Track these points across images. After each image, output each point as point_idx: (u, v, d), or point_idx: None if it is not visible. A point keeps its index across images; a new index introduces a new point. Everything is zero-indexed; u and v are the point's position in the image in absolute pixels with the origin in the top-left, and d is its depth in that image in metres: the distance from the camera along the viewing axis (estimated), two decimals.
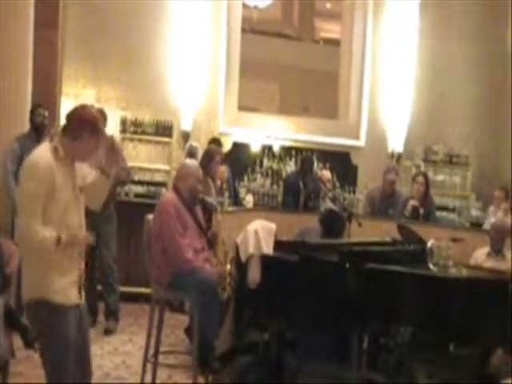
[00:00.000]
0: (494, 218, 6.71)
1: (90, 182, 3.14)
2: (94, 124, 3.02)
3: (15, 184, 5.63)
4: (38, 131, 5.80)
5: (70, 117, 3.05)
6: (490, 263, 5.33)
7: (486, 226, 6.81)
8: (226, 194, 6.40)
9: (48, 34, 6.79)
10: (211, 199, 5.14)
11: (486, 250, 5.47)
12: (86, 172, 3.17)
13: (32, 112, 5.85)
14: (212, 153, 6.09)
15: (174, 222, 4.41)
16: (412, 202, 6.27)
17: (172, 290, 4.36)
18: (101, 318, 5.83)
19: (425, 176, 6.62)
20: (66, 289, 2.99)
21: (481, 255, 5.47)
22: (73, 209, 3.01)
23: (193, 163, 4.85)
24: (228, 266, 4.57)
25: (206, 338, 4.34)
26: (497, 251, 5.41)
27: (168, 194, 4.67)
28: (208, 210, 5.02)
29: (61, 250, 2.93)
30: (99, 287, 5.85)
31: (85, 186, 3.13)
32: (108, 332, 5.61)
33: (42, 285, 2.94)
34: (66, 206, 2.96)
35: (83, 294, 3.13)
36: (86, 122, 3.00)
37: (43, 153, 2.96)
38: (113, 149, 3.13)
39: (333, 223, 5.13)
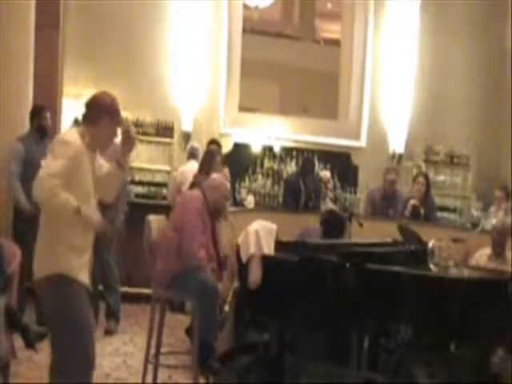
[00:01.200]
0: (494, 218, 6.71)
1: (105, 173, 3.16)
2: (112, 108, 3.09)
3: (20, 186, 5.63)
4: (40, 133, 5.80)
5: (88, 104, 3.12)
6: (492, 265, 5.32)
7: (488, 226, 6.81)
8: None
9: (49, 35, 6.80)
10: None
11: (487, 251, 5.45)
12: (101, 162, 3.20)
13: (35, 114, 5.82)
14: (213, 152, 6.11)
15: (199, 217, 4.40)
16: (412, 202, 6.28)
17: (172, 290, 4.35)
18: (101, 318, 5.83)
19: (425, 176, 6.64)
20: (81, 269, 3.04)
21: (482, 256, 5.46)
22: (90, 197, 3.07)
23: (222, 180, 4.80)
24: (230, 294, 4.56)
25: (206, 339, 4.35)
26: (498, 252, 5.40)
27: (197, 192, 4.65)
28: None
29: (75, 221, 2.93)
30: (100, 288, 5.86)
31: (100, 177, 3.15)
32: (109, 332, 5.62)
33: (63, 260, 2.96)
34: (86, 193, 3.02)
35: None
36: (105, 107, 3.07)
37: (76, 136, 3.01)
38: (128, 135, 3.14)
39: (333, 224, 5.14)
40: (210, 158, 5.99)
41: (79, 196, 2.94)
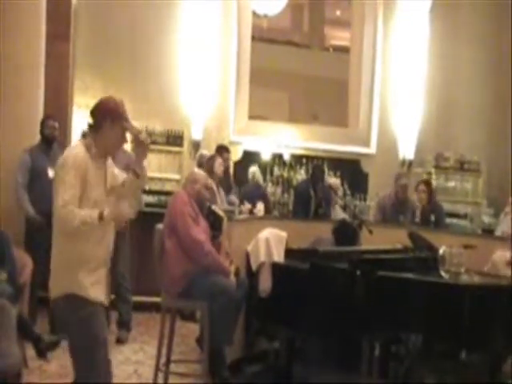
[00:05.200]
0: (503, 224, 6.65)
1: (121, 183, 3.11)
2: (115, 111, 3.01)
3: (27, 196, 5.68)
4: (47, 143, 5.85)
5: (93, 110, 3.05)
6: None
7: (498, 232, 6.77)
8: (237, 202, 6.43)
9: (59, 46, 6.88)
10: (218, 209, 5.14)
11: (508, 254, 5.35)
12: (116, 173, 3.14)
13: (42, 124, 5.90)
14: (214, 156, 6.20)
15: (188, 208, 4.40)
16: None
17: (186, 295, 4.33)
18: (113, 327, 5.84)
19: (427, 183, 6.64)
20: (94, 285, 2.99)
21: (501, 260, 5.35)
22: (100, 206, 2.96)
23: (201, 172, 4.89)
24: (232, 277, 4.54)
25: (218, 344, 4.35)
26: None
27: (180, 191, 4.69)
28: (216, 220, 5.00)
29: (103, 226, 2.91)
30: (111, 297, 5.87)
31: (116, 187, 3.10)
32: (120, 341, 5.62)
33: (72, 280, 2.93)
34: (95, 203, 2.95)
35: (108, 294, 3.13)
36: (106, 110, 3.00)
37: (78, 149, 2.97)
38: (139, 140, 3.06)
39: (346, 234, 5.12)
40: (212, 161, 6.07)
41: (88, 207, 2.90)
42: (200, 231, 4.40)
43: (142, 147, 3.08)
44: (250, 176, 7.60)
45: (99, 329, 3.02)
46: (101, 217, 2.87)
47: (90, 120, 3.05)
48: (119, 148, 3.13)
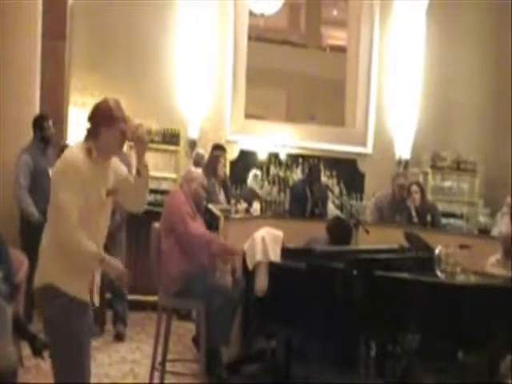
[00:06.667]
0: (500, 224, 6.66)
1: (124, 181, 3.06)
2: (110, 113, 2.94)
3: (30, 199, 5.63)
4: (45, 143, 5.83)
5: (89, 116, 3.00)
6: (500, 270, 5.25)
7: (495, 232, 6.77)
8: (233, 201, 6.43)
9: (55, 45, 6.84)
10: (215, 209, 5.13)
11: (497, 256, 5.37)
12: (122, 171, 3.10)
13: (38, 124, 5.83)
14: (216, 156, 6.18)
15: (186, 207, 4.42)
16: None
17: (183, 295, 4.33)
18: (108, 327, 5.83)
19: (418, 184, 6.67)
20: (77, 283, 2.92)
21: (491, 260, 5.38)
22: (97, 212, 2.95)
23: (198, 171, 4.89)
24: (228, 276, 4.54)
25: (215, 344, 4.35)
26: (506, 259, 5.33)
27: (178, 191, 4.70)
28: (212, 219, 5.00)
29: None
30: (108, 295, 5.86)
31: (119, 186, 3.05)
32: (119, 337, 5.61)
33: (53, 271, 2.88)
34: (91, 208, 2.89)
35: (93, 299, 3.05)
36: (101, 114, 2.95)
37: (75, 154, 2.90)
38: (137, 137, 2.99)
39: (340, 231, 5.13)
40: (215, 161, 6.04)
41: (82, 211, 2.84)
42: (199, 226, 4.42)
43: (140, 143, 3.02)
44: (250, 179, 7.61)
45: (79, 328, 2.93)
46: (101, 261, 2.89)
47: (87, 125, 3.00)
48: (120, 149, 3.06)
